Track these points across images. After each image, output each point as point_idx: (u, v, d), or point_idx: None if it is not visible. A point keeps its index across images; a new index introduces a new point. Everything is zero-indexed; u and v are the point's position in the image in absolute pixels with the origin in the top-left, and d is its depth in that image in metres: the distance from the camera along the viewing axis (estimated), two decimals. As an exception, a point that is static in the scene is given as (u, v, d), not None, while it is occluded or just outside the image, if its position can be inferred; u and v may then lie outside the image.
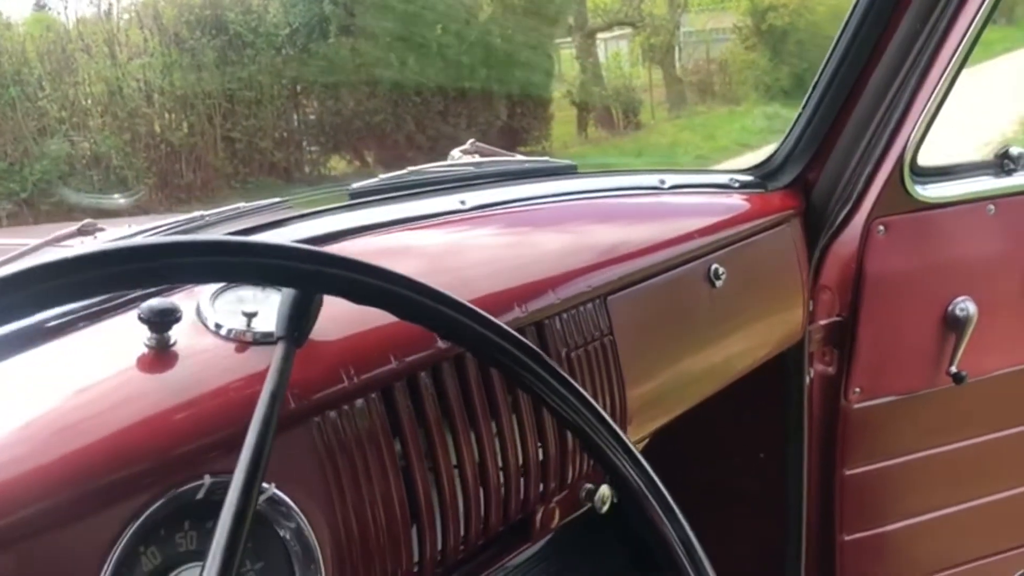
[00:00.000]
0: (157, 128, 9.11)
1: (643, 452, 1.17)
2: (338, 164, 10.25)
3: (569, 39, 12.83)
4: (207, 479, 0.69)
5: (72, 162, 8.59)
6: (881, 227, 1.45)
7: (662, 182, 1.28)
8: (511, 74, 10.48)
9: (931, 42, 1.32)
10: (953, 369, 1.54)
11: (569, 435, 0.98)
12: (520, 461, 0.93)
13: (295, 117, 10.19)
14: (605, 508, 1.08)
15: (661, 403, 1.12)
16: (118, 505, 0.66)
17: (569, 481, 1.01)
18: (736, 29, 12.67)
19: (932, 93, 1.35)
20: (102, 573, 0.63)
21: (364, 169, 9.83)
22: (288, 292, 0.68)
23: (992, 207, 1.52)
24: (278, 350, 0.67)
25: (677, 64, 13.46)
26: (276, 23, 9.56)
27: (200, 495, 0.69)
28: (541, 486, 0.97)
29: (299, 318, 0.67)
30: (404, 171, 1.07)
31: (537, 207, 1.12)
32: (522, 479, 0.94)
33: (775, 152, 1.43)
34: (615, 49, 13.90)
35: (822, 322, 1.49)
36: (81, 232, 0.85)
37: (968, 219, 1.52)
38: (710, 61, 13.31)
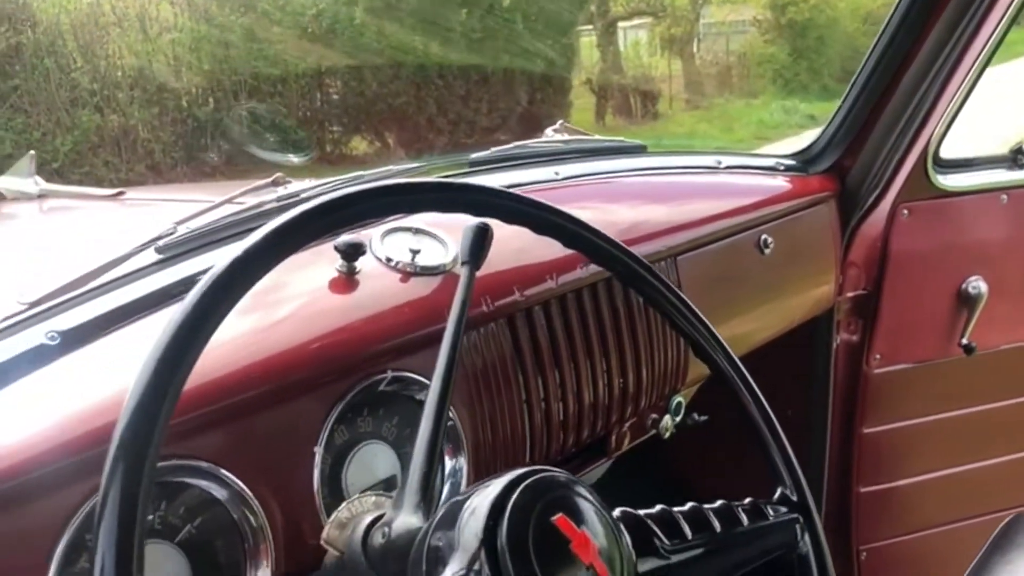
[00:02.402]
0: (184, 103, 9.21)
1: (693, 398, 1.37)
2: (359, 145, 10.31)
3: (590, 27, 12.91)
4: (389, 373, 0.89)
5: (102, 134, 8.76)
6: (905, 211, 1.62)
7: (718, 162, 1.47)
8: (532, 60, 10.61)
9: (957, 48, 1.48)
10: (964, 341, 1.70)
11: (644, 371, 1.17)
12: (605, 390, 1.13)
13: (318, 97, 10.23)
14: (667, 435, 1.28)
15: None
16: (323, 389, 0.85)
17: (640, 409, 1.21)
18: (756, 22, 12.72)
19: (956, 93, 1.52)
20: (318, 442, 0.83)
21: (385, 151, 9.94)
22: (471, 227, 0.88)
23: (1005, 197, 1.69)
24: (464, 272, 0.86)
25: (696, 55, 13.52)
26: (304, 3, 9.62)
27: (382, 387, 0.89)
28: (618, 411, 1.16)
29: (479, 248, 0.87)
30: (511, 145, 1.27)
31: (615, 179, 1.31)
32: (605, 404, 1.13)
33: (815, 140, 1.61)
34: (635, 38, 13.97)
35: (849, 294, 1.66)
36: (274, 183, 1.05)
37: (983, 207, 1.68)
38: (729, 53, 13.37)
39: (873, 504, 1.79)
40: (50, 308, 0.81)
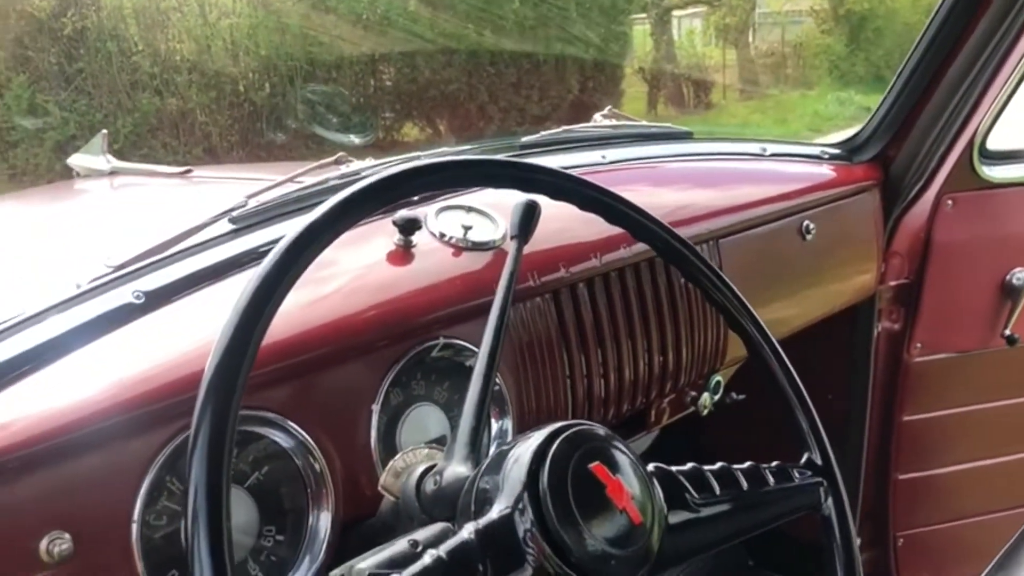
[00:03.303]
0: (241, 88, 9.36)
1: (731, 377, 1.41)
2: (411, 131, 10.38)
3: (644, 15, 12.84)
4: (441, 339, 0.95)
5: (161, 117, 8.97)
6: (949, 202, 1.63)
7: (763, 149, 1.51)
8: (585, 48, 10.61)
9: (1008, 38, 1.48)
10: (1007, 332, 1.70)
11: (684, 350, 1.22)
12: (646, 367, 1.18)
13: (372, 83, 10.30)
14: (705, 412, 1.32)
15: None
16: (381, 352, 0.92)
17: (679, 386, 1.26)
18: (813, 12, 12.55)
19: (1005, 83, 1.53)
20: (376, 401, 0.90)
21: (436, 137, 10.01)
22: (520, 203, 0.94)
23: None
24: (513, 246, 0.92)
25: (751, 45, 13.38)
26: (360, -11, 9.67)
27: (434, 352, 0.95)
28: (658, 387, 1.21)
29: (528, 223, 0.93)
30: (560, 129, 1.32)
31: (661, 164, 1.36)
32: (645, 381, 1.18)
33: (860, 130, 1.63)
34: (689, 27, 13.86)
35: (891, 283, 1.68)
36: (337, 162, 1.12)
37: None
38: (784, 43, 13.21)
39: (911, 491, 1.81)
40: (134, 271, 0.88)
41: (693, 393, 1.31)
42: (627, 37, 11.66)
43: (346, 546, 0.85)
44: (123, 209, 1.56)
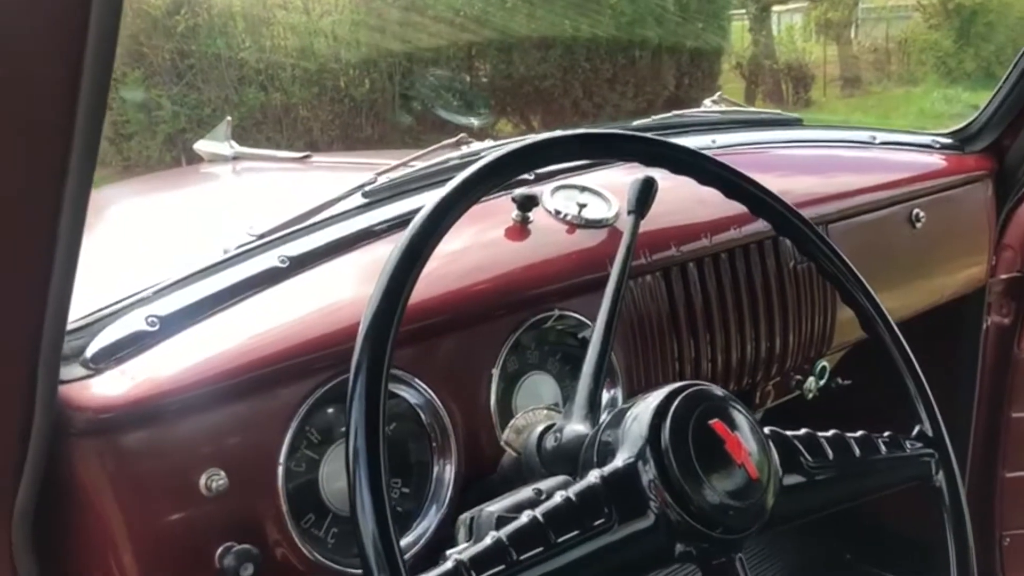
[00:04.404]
0: (342, 83, 9.58)
1: (838, 363, 1.42)
2: (504, 127, 10.45)
3: (743, 11, 12.64)
4: (556, 311, 1.00)
5: (265, 111, 9.27)
6: None
7: (873, 138, 1.51)
8: (682, 44, 10.52)
9: None
10: None
11: (791, 335, 1.24)
12: (752, 350, 1.20)
13: (467, 79, 10.39)
14: (811, 396, 1.34)
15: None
16: (500, 321, 0.97)
17: (785, 370, 1.28)
18: (920, 7, 12.12)
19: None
20: (495, 365, 0.95)
21: (529, 133, 10.05)
22: (638, 179, 0.98)
23: None
24: (630, 220, 0.96)
25: (853, 41, 13.03)
26: (458, -14, 9.78)
27: (549, 323, 1.00)
28: (764, 370, 1.23)
29: (645, 198, 0.97)
30: (670, 114, 1.35)
31: (770, 149, 1.38)
32: (752, 363, 1.21)
33: (973, 120, 1.61)
34: (789, 22, 13.58)
35: (1002, 276, 1.65)
36: (458, 143, 1.19)
37: None
38: (889, 39, 12.82)
39: (1018, 490, 1.77)
40: (277, 239, 0.96)
41: (798, 377, 1.32)
42: (725, 32, 11.50)
43: (466, 501, 0.90)
44: (248, 189, 1.66)
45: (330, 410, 0.87)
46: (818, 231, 0.91)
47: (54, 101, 0.54)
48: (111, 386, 0.76)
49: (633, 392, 1.06)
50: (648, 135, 0.88)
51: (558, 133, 0.81)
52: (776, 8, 13.30)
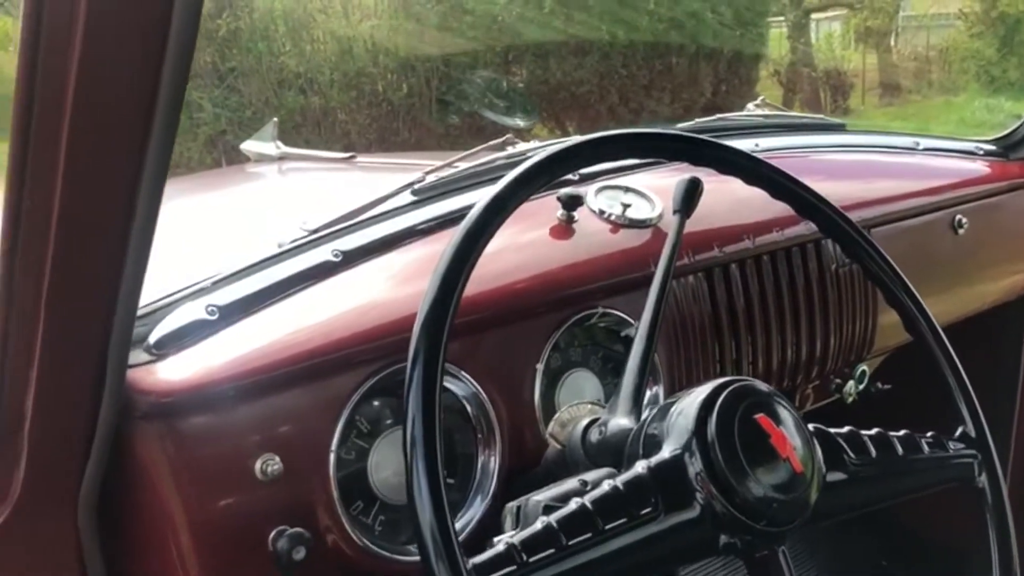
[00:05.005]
0: (380, 88, 9.65)
1: (877, 367, 1.42)
2: (540, 132, 10.45)
3: (781, 18, 12.56)
4: (600, 309, 1.01)
5: (304, 114, 9.37)
6: None
7: (916, 144, 1.51)
8: (720, 51, 10.48)
9: None
10: None
11: (832, 339, 1.24)
12: (793, 354, 1.20)
13: (504, 84, 10.40)
14: (850, 400, 1.34)
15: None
16: (544, 317, 0.99)
17: (824, 373, 1.28)
18: (962, 15, 11.97)
19: None
20: (540, 360, 0.97)
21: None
22: (683, 179, 0.99)
23: None
24: (676, 220, 0.98)
25: (893, 49, 12.90)
26: (496, -9, 9.80)
27: (592, 321, 1.02)
28: (804, 373, 1.24)
29: (690, 198, 0.99)
30: (713, 117, 1.37)
31: (813, 154, 1.38)
32: (792, 365, 1.21)
33: (1018, 126, 1.60)
34: (828, 30, 13.48)
35: None
36: (505, 143, 1.21)
37: None
38: (929, 48, 12.68)
39: None
40: (329, 233, 0.98)
41: (838, 381, 1.32)
42: (763, 40, 11.44)
43: (510, 493, 0.92)
44: (295, 188, 1.69)
45: (379, 401, 0.90)
46: (864, 232, 0.92)
47: (134, 104, 0.57)
48: (173, 371, 0.79)
49: (674, 391, 1.07)
50: (697, 135, 0.90)
51: (610, 132, 0.83)
52: (815, 15, 13.21)
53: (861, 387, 1.34)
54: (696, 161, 0.90)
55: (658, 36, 10.12)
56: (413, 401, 0.66)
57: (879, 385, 1.39)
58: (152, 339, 0.81)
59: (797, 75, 11.64)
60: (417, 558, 0.87)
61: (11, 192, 0.60)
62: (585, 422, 0.85)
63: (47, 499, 0.74)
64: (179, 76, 0.56)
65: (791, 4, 12.45)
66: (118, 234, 0.62)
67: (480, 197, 0.78)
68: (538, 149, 1.15)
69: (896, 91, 12.20)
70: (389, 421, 0.91)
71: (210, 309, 0.84)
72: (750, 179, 0.90)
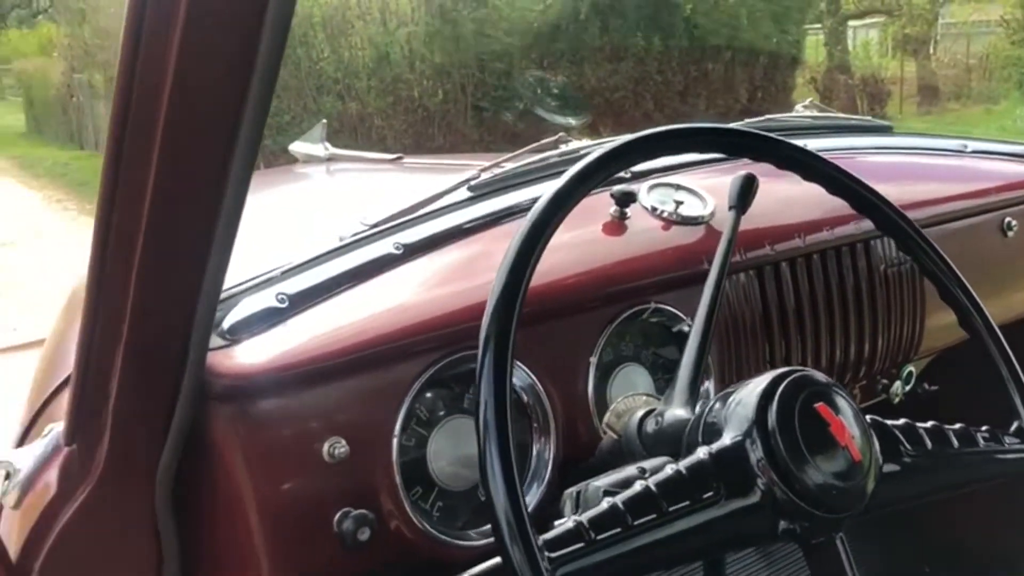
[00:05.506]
0: (416, 94, 9.72)
1: (920, 373, 1.42)
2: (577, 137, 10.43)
3: (818, 25, 12.48)
4: (652, 304, 1.03)
5: (342, 120, 9.46)
6: None
7: (964, 146, 1.51)
8: (756, 58, 10.46)
9: None
10: None
11: (880, 339, 1.25)
12: (841, 353, 1.21)
13: (539, 91, 10.43)
14: (897, 401, 1.34)
15: (953, 326, 1.36)
16: (598, 311, 1.01)
17: (872, 373, 1.29)
18: (1003, 22, 11.83)
19: None
20: (593, 353, 0.99)
21: (600, 143, 10.03)
22: (739, 175, 1.01)
23: None
24: (731, 216, 1.00)
25: (932, 56, 12.77)
26: (532, -1, 9.85)
27: (644, 316, 1.04)
28: (852, 373, 1.25)
29: (746, 194, 1.00)
30: (763, 118, 1.38)
31: (860, 155, 1.39)
32: (840, 365, 1.22)
33: (1068, 130, 1.60)
34: (865, 37, 13.38)
35: None
36: (558, 142, 1.23)
37: None
38: (969, 55, 12.54)
39: None
40: (390, 227, 1.01)
41: (884, 381, 1.33)
42: (799, 47, 11.38)
43: (566, 482, 0.94)
44: (347, 187, 1.73)
45: (438, 390, 0.92)
46: (920, 230, 0.93)
47: (224, 107, 0.60)
48: (246, 356, 0.82)
49: (725, 386, 1.08)
50: (757, 131, 0.91)
51: (676, 126, 0.85)
52: (852, 23, 13.12)
53: (908, 388, 1.35)
54: (758, 157, 0.92)
55: (694, 43, 10.11)
56: (485, 386, 0.68)
57: (926, 386, 1.40)
58: (226, 324, 0.84)
59: (834, 82, 11.57)
60: (475, 543, 0.90)
61: (107, 171, 0.63)
62: (641, 413, 0.87)
63: (127, 475, 0.77)
64: (270, 70, 0.59)
65: (828, 11, 12.36)
66: (206, 219, 0.65)
67: (540, 191, 0.80)
68: (593, 146, 1.18)
69: (934, 99, 12.08)
70: (447, 411, 0.93)
71: (280, 297, 0.87)
72: (809, 176, 0.91)
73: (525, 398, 0.95)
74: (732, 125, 0.97)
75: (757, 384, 0.75)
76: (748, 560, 1.61)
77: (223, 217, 0.65)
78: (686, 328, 1.05)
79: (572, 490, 0.77)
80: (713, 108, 10.24)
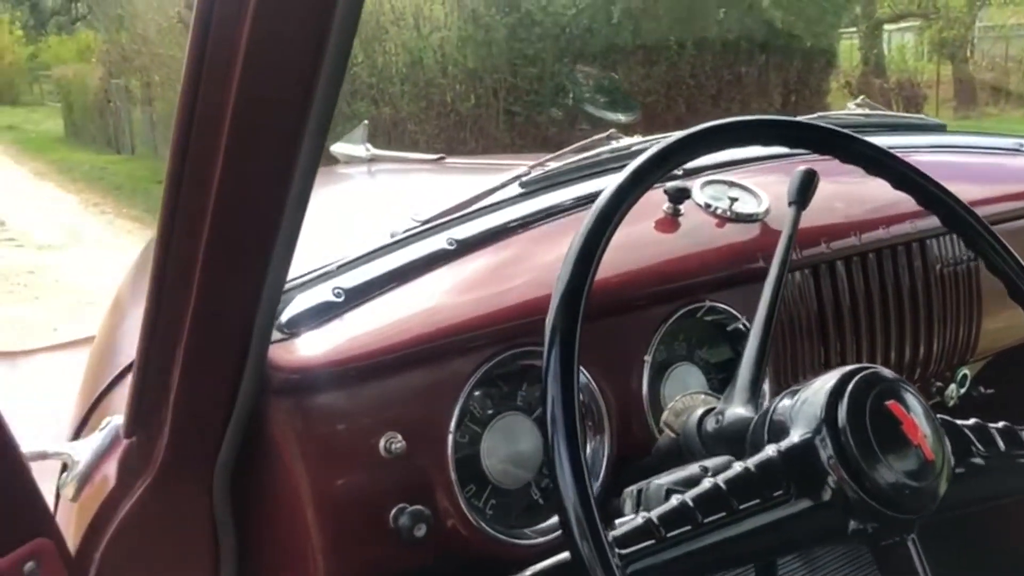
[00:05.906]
0: (448, 98, 9.76)
1: (976, 376, 1.39)
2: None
3: (853, 29, 12.36)
4: (707, 302, 1.02)
5: (375, 124, 9.51)
6: None
7: (1020, 145, 1.48)
8: (789, 61, 10.37)
9: None
10: None
11: (935, 341, 1.22)
12: (896, 354, 1.19)
13: (571, 95, 10.43)
14: (951, 404, 1.31)
15: (1010, 328, 1.33)
16: (651, 310, 1.00)
17: (926, 375, 1.26)
18: (1044, 25, 11.66)
19: None
20: (648, 351, 0.98)
21: (632, 148, 10.01)
22: (800, 170, 0.99)
23: None
24: (791, 211, 0.98)
25: (969, 60, 12.61)
26: (565, 3, 9.86)
27: (699, 314, 1.02)
28: (907, 374, 1.22)
29: (806, 189, 0.99)
30: (815, 115, 1.36)
31: (913, 153, 1.36)
32: (896, 364, 1.20)
33: None
34: (900, 41, 13.24)
35: None
36: (609, 138, 1.22)
37: None
38: (1008, 59, 12.37)
39: None
40: (442, 223, 1.00)
41: (939, 384, 1.30)
42: (834, 50, 11.27)
43: (622, 480, 0.93)
44: (389, 186, 1.73)
45: (492, 387, 0.91)
46: (988, 225, 0.91)
47: (292, 100, 0.60)
48: (304, 349, 0.82)
49: (780, 385, 1.07)
50: (821, 124, 0.90)
51: (740, 118, 0.84)
52: (888, 26, 12.98)
53: (963, 391, 1.32)
54: (820, 150, 0.90)
55: (727, 47, 10.06)
56: (552, 382, 0.67)
57: (981, 389, 1.37)
58: (284, 318, 0.84)
59: (869, 86, 11.44)
60: (531, 541, 0.89)
61: (173, 165, 0.63)
62: (700, 411, 0.86)
63: (187, 466, 0.77)
64: (339, 64, 0.59)
65: (863, 15, 12.24)
66: (272, 214, 0.65)
67: (593, 187, 0.79)
68: (645, 143, 1.17)
69: (972, 103, 11.92)
70: (496, 408, 0.92)
71: (336, 291, 0.87)
72: (871, 169, 0.90)
73: (580, 395, 0.94)
74: (799, 118, 0.96)
75: (825, 381, 0.73)
76: (793, 565, 1.58)
77: (288, 212, 0.65)
78: (741, 327, 1.03)
79: (632, 488, 0.76)
80: (746, 112, 10.11)
